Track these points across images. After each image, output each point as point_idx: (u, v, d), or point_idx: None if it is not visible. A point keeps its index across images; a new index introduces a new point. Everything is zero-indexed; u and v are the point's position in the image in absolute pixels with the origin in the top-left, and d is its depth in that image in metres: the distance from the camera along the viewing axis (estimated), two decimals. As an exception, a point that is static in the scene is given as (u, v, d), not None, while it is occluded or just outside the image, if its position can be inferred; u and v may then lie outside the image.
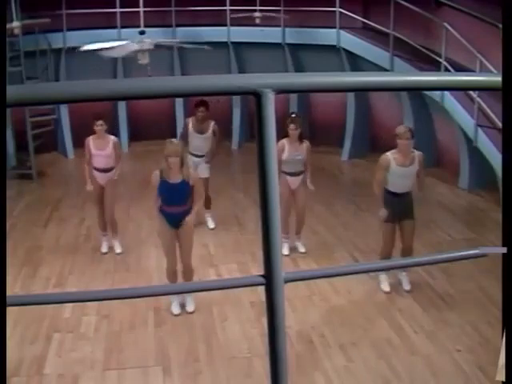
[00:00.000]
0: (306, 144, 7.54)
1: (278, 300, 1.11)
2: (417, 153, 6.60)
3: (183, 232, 6.45)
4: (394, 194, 6.62)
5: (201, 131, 8.30)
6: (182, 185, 6.32)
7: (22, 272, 7.37)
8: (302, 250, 7.91)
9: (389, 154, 6.57)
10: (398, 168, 6.52)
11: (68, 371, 5.59)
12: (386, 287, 6.88)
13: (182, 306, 6.60)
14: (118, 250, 7.98)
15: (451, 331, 6.09)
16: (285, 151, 7.40)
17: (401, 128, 6.73)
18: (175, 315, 6.52)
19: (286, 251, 7.71)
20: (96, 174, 7.71)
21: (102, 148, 7.61)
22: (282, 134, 7.28)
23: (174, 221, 6.39)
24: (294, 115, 7.74)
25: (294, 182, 7.63)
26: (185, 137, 8.38)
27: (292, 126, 7.38)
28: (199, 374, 5.58)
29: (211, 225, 8.72)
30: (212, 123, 8.34)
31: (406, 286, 6.89)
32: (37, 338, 6.05)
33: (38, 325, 6.22)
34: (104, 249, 7.99)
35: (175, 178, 6.31)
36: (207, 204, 8.68)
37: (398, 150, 6.53)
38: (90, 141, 7.64)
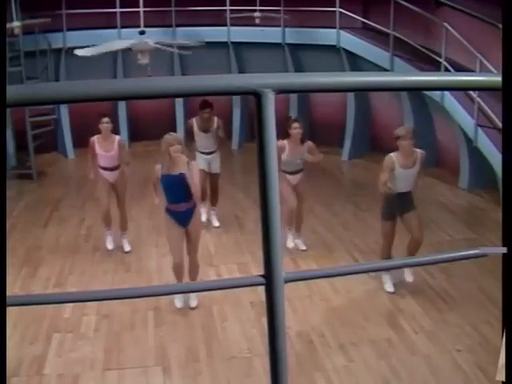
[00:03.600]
0: (307, 145, 7.55)
1: (278, 300, 1.11)
2: (419, 152, 6.59)
3: (192, 229, 6.43)
4: (396, 194, 6.61)
5: (206, 129, 8.36)
6: (183, 176, 6.25)
7: (22, 272, 7.37)
8: (303, 247, 7.91)
9: (393, 156, 6.55)
10: (402, 170, 6.50)
11: (68, 371, 5.59)
12: (389, 288, 6.86)
13: (185, 301, 6.62)
14: (127, 248, 7.93)
15: (451, 331, 6.09)
16: (285, 152, 7.40)
17: (401, 130, 6.69)
18: (178, 309, 6.54)
19: (290, 243, 7.75)
20: (103, 172, 7.66)
21: (107, 150, 7.53)
22: (282, 135, 7.29)
23: (183, 219, 6.35)
24: (293, 117, 7.86)
25: (293, 179, 7.67)
26: (190, 138, 8.44)
27: (295, 125, 7.40)
28: (199, 374, 5.58)
29: (216, 223, 8.75)
30: (215, 119, 8.41)
31: (409, 278, 6.83)
32: (37, 338, 6.05)
33: (37, 325, 6.22)
34: (110, 245, 7.92)
35: (177, 169, 6.24)
36: (214, 201, 8.73)
37: (401, 152, 6.51)
38: (95, 142, 7.51)
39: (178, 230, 6.40)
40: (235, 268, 7.49)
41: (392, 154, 6.57)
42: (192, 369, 5.64)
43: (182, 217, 6.35)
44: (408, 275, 6.87)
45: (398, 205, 6.60)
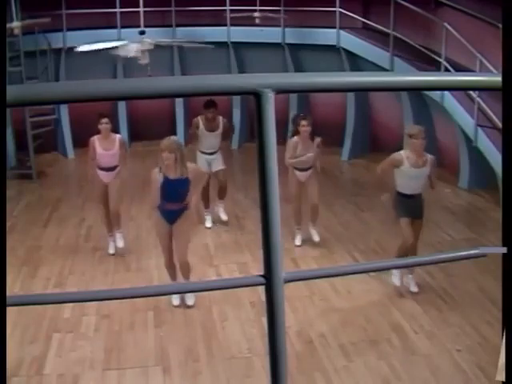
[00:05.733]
0: (316, 141, 7.69)
1: (277, 300, 1.11)
2: (429, 156, 6.55)
3: (178, 228, 6.48)
4: (406, 196, 6.56)
5: (212, 129, 8.36)
6: (179, 182, 6.34)
7: (21, 272, 7.37)
8: (317, 238, 8.02)
9: (402, 153, 6.51)
10: (411, 169, 6.45)
11: (68, 371, 5.59)
12: (396, 281, 6.82)
13: (182, 299, 6.65)
14: (120, 244, 7.92)
15: (451, 331, 6.09)
16: (297, 149, 7.60)
17: (413, 128, 6.67)
18: (175, 306, 6.57)
19: (298, 242, 7.94)
20: (100, 172, 7.65)
21: (108, 148, 7.54)
22: (293, 132, 7.71)
23: (171, 217, 6.44)
24: (302, 114, 8.04)
25: (303, 176, 7.81)
26: (194, 136, 8.43)
27: (304, 123, 7.57)
28: (199, 374, 5.58)
29: (224, 217, 8.78)
30: (221, 119, 8.43)
31: (414, 288, 6.82)
32: (37, 338, 6.05)
33: (37, 325, 6.21)
34: (111, 250, 7.93)
35: (172, 175, 6.34)
36: (222, 195, 8.75)
37: (412, 150, 6.46)
38: (96, 141, 7.53)
39: (165, 227, 6.48)
40: (235, 268, 7.49)
41: (401, 152, 6.53)
42: (192, 369, 5.64)
43: (170, 215, 6.43)
44: (413, 286, 6.84)
45: (409, 207, 6.55)
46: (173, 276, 6.69)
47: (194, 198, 6.56)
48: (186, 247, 6.61)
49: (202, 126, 8.36)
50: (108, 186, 7.70)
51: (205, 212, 8.67)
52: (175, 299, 6.64)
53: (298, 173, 7.77)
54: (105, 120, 7.49)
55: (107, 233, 7.99)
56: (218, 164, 8.54)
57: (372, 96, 11.93)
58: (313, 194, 7.91)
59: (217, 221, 8.77)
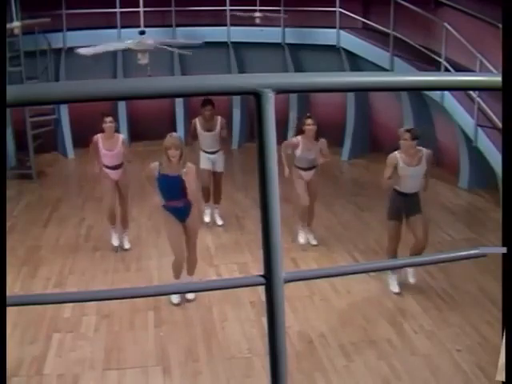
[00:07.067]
0: (321, 142, 7.70)
1: (277, 300, 1.11)
2: (425, 152, 6.56)
3: (189, 225, 6.54)
4: (402, 194, 6.59)
5: (210, 129, 8.38)
6: (179, 178, 6.36)
7: (21, 272, 7.37)
8: (314, 242, 8.04)
9: (396, 153, 6.58)
10: (406, 167, 6.49)
11: (68, 371, 5.59)
12: (395, 288, 6.83)
13: (182, 296, 6.68)
14: (127, 246, 7.99)
15: (451, 331, 6.09)
16: (299, 148, 7.61)
17: (404, 129, 6.73)
18: (175, 304, 6.58)
19: (302, 239, 7.97)
20: (107, 171, 7.69)
21: (111, 148, 7.57)
22: (297, 132, 7.75)
23: (180, 214, 6.46)
24: (308, 114, 8.03)
25: (307, 175, 7.84)
26: (193, 137, 8.46)
27: (308, 121, 7.60)
28: (199, 374, 5.58)
29: (219, 221, 8.79)
30: (219, 118, 8.44)
31: (411, 279, 6.81)
32: (37, 338, 6.05)
33: (37, 325, 6.21)
34: (115, 242, 7.97)
35: (174, 171, 6.35)
36: (217, 199, 8.75)
37: (402, 150, 6.55)
38: (99, 140, 7.56)
39: (177, 225, 6.51)
40: (235, 268, 7.49)
41: (396, 152, 6.60)
42: (192, 369, 5.64)
43: (180, 212, 6.46)
44: (410, 277, 6.85)
45: (403, 205, 6.57)
46: (177, 275, 6.65)
47: (195, 194, 6.56)
48: (196, 243, 6.68)
49: (199, 126, 8.38)
50: (118, 183, 7.75)
51: (204, 206, 8.67)
52: (175, 298, 6.66)
53: (302, 172, 7.79)
54: (109, 119, 7.51)
55: (110, 225, 7.98)
56: (220, 166, 8.56)
57: (372, 96, 11.93)
58: (314, 195, 7.92)
59: (212, 224, 8.78)
